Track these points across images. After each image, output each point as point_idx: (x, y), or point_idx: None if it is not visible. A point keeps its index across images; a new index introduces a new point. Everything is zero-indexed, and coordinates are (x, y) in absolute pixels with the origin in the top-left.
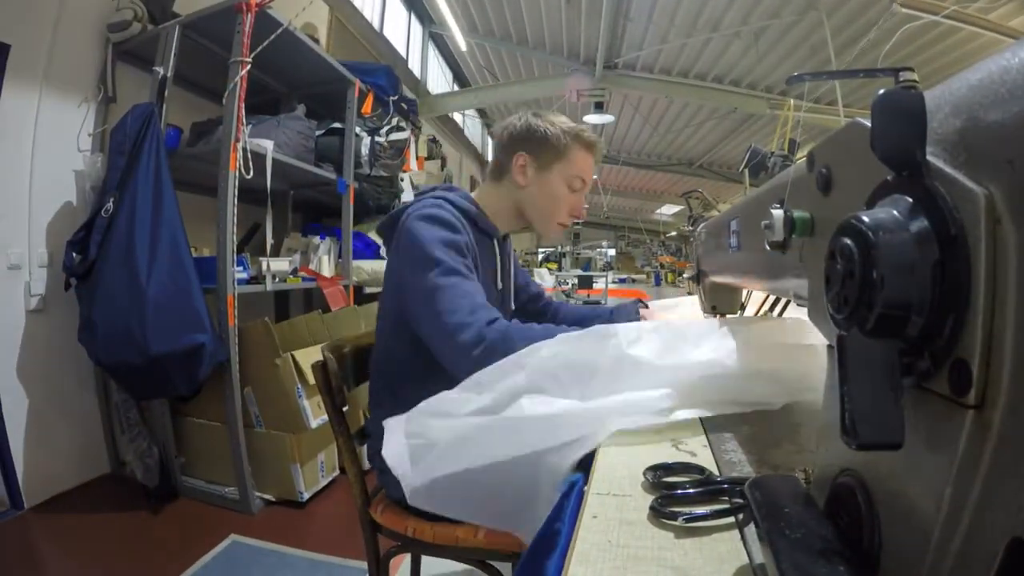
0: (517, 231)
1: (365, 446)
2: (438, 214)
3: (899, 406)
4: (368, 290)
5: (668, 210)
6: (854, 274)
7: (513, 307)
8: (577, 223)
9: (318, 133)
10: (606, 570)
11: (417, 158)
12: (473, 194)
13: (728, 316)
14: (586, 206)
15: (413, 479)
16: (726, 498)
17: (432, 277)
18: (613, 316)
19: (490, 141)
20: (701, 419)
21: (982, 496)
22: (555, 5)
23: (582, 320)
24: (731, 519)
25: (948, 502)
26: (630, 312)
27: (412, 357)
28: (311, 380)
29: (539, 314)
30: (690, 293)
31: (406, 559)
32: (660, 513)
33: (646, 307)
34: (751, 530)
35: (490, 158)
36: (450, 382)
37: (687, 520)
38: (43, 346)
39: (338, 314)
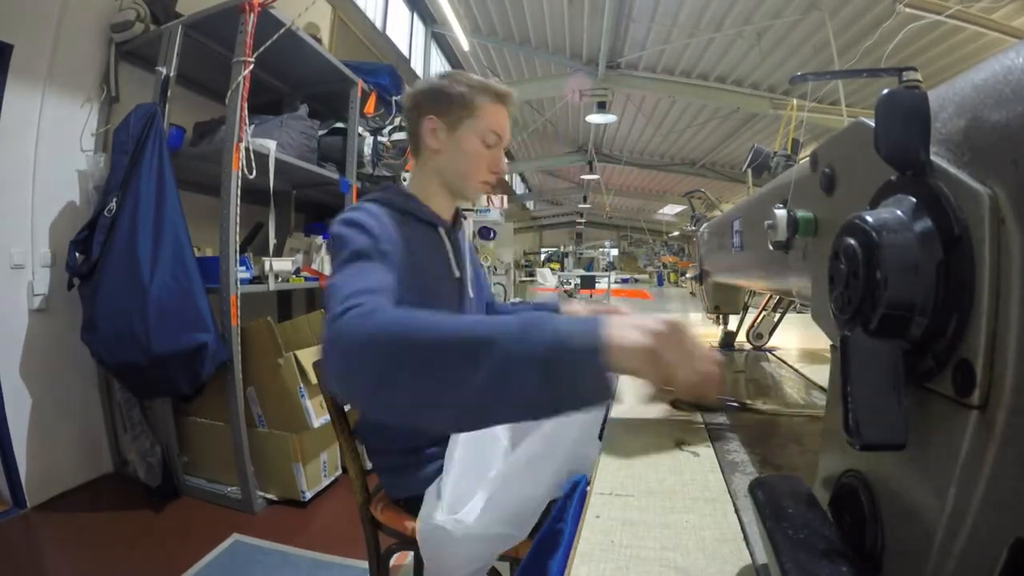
0: (460, 208)
1: (366, 446)
2: (352, 217)
3: (902, 406)
4: None
5: (671, 210)
6: (858, 274)
7: (472, 295)
8: (580, 222)
9: (321, 133)
10: (609, 570)
11: None
12: (406, 184)
13: None
14: (506, 161)
15: None
16: None
17: (333, 274)
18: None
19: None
20: (705, 421)
21: (985, 497)
22: (558, 5)
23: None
24: None
25: (951, 502)
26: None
27: None
28: (313, 380)
29: None
30: (692, 293)
31: (408, 558)
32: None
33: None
34: (754, 530)
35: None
36: None
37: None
38: (46, 345)
39: None
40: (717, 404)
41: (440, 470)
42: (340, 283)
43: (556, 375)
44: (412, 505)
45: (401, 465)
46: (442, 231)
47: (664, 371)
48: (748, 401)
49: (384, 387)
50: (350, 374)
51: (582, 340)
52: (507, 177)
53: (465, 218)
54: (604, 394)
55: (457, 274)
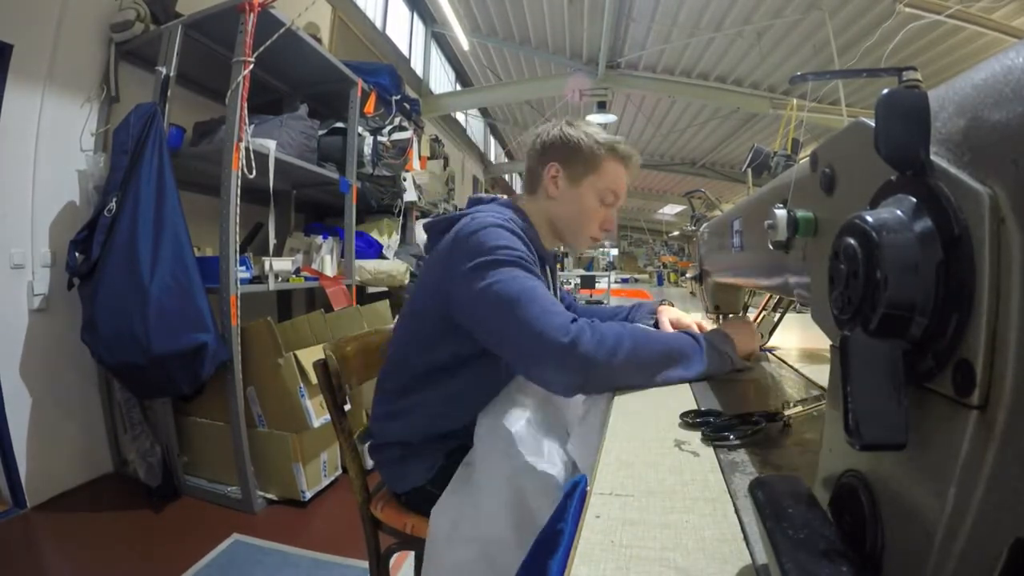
0: (556, 249)
1: (367, 445)
2: (507, 225)
3: (902, 407)
4: (371, 290)
5: (671, 210)
6: (858, 274)
7: None
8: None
9: (321, 133)
10: (609, 570)
11: (420, 158)
12: (522, 206)
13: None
14: (615, 221)
15: None
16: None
17: (513, 279)
18: (631, 315)
19: (493, 141)
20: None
21: (986, 497)
22: (558, 5)
23: (612, 318)
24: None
25: (951, 503)
26: (648, 311)
27: (420, 365)
28: (313, 380)
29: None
30: (692, 293)
31: (409, 557)
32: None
33: (669, 304)
34: (754, 530)
35: (524, 170)
36: (444, 398)
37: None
38: (46, 346)
39: (340, 314)
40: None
41: (436, 463)
42: (540, 294)
43: (712, 368)
44: (413, 499)
45: (402, 456)
46: (547, 266)
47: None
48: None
49: (627, 376)
50: (606, 379)
51: (727, 347)
52: (507, 177)
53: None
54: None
55: None
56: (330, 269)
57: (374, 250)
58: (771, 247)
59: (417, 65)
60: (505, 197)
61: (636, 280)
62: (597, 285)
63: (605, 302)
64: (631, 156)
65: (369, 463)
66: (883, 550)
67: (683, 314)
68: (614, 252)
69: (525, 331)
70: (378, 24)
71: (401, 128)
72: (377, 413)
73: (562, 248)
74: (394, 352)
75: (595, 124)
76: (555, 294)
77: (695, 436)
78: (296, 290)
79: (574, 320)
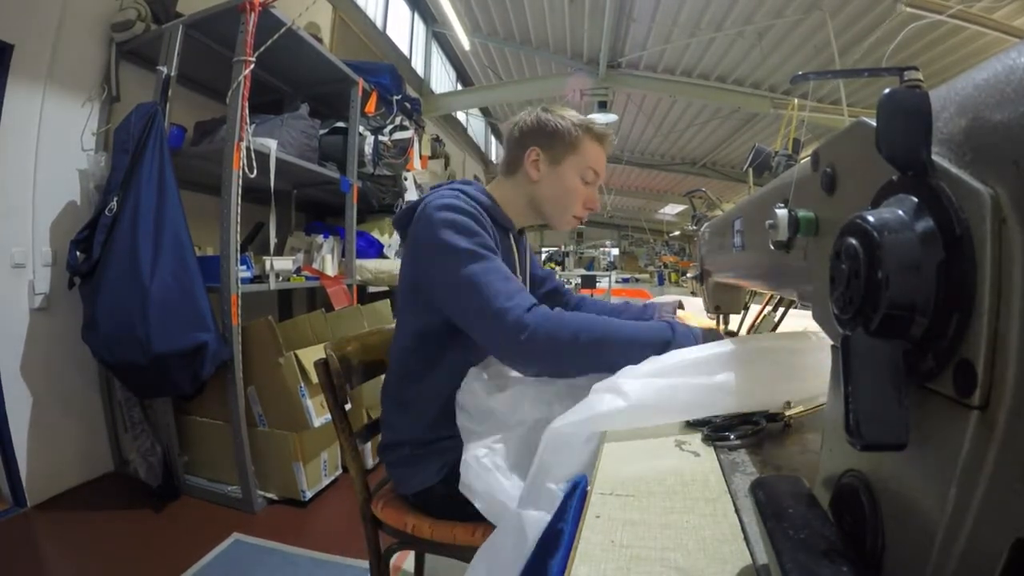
0: (533, 226)
1: (370, 442)
2: (457, 203)
3: (903, 407)
4: (372, 289)
5: (672, 209)
6: (859, 274)
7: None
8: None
9: (321, 132)
10: (609, 570)
11: (420, 157)
12: (487, 187)
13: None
14: (599, 199)
15: None
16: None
17: (464, 265)
18: (647, 311)
19: (494, 140)
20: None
21: (986, 497)
22: (558, 4)
23: (612, 314)
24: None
25: (952, 503)
26: (667, 311)
27: (418, 359)
28: (314, 379)
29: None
30: (693, 293)
31: (410, 557)
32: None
33: (683, 308)
34: (754, 530)
35: (502, 155)
36: (448, 380)
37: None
38: (47, 345)
39: (341, 313)
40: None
41: (448, 463)
42: (487, 279)
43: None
44: (422, 499)
45: (413, 456)
46: (511, 236)
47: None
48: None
49: (579, 366)
50: (555, 360)
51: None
52: None
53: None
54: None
55: (519, 278)
56: (331, 268)
57: (375, 249)
58: (772, 247)
59: (418, 65)
60: (465, 179)
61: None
62: (598, 285)
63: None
64: (606, 135)
65: (370, 463)
66: (884, 550)
67: (702, 319)
68: (615, 252)
69: (483, 317)
70: (379, 24)
71: (402, 127)
72: (386, 412)
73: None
74: (394, 350)
75: (569, 110)
76: (523, 268)
77: (695, 436)
78: (297, 289)
79: (533, 306)
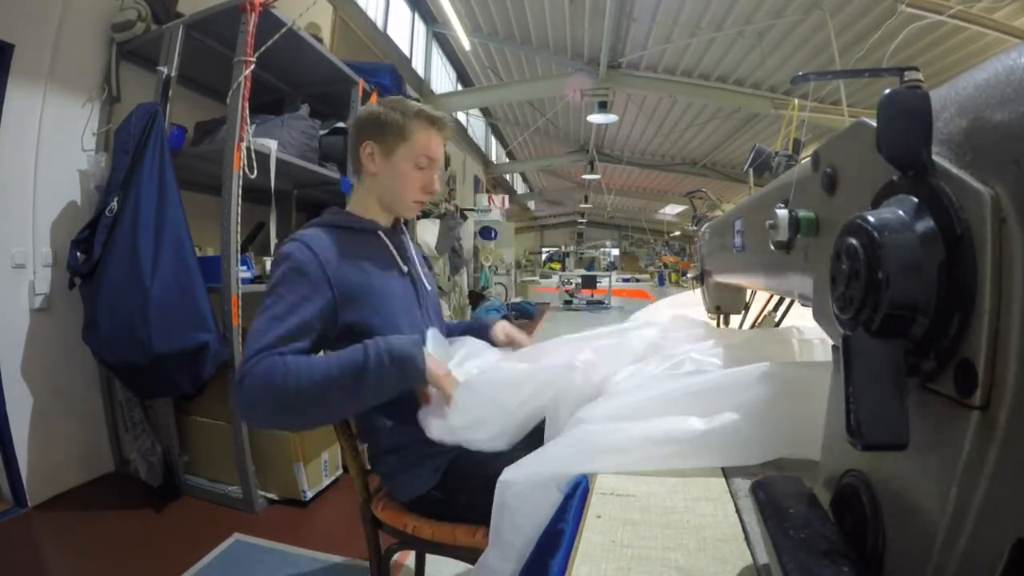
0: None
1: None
2: (285, 251)
3: (904, 407)
4: None
5: (672, 210)
6: (859, 274)
7: (429, 286)
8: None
9: (322, 132)
10: (610, 570)
11: None
12: (347, 206)
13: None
14: (437, 177)
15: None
16: None
17: (267, 295)
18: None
19: (494, 140)
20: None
21: (987, 497)
22: (559, 5)
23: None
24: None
25: (953, 503)
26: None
27: None
28: None
29: None
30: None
31: (410, 557)
32: None
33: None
34: (755, 530)
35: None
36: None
37: None
38: (47, 345)
39: None
40: None
41: (440, 465)
42: (259, 328)
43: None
44: (419, 506)
45: (399, 467)
46: (382, 234)
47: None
48: None
49: (279, 418)
50: (251, 412)
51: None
52: (508, 177)
53: (406, 225)
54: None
55: (405, 269)
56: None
57: None
58: (773, 247)
59: (418, 65)
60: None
61: (637, 280)
62: (599, 285)
63: (606, 302)
64: (438, 118)
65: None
66: (884, 550)
67: (516, 329)
68: (615, 252)
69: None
70: (379, 24)
71: None
72: (360, 423)
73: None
74: None
75: (407, 100)
76: (405, 260)
77: None
78: None
79: (270, 350)
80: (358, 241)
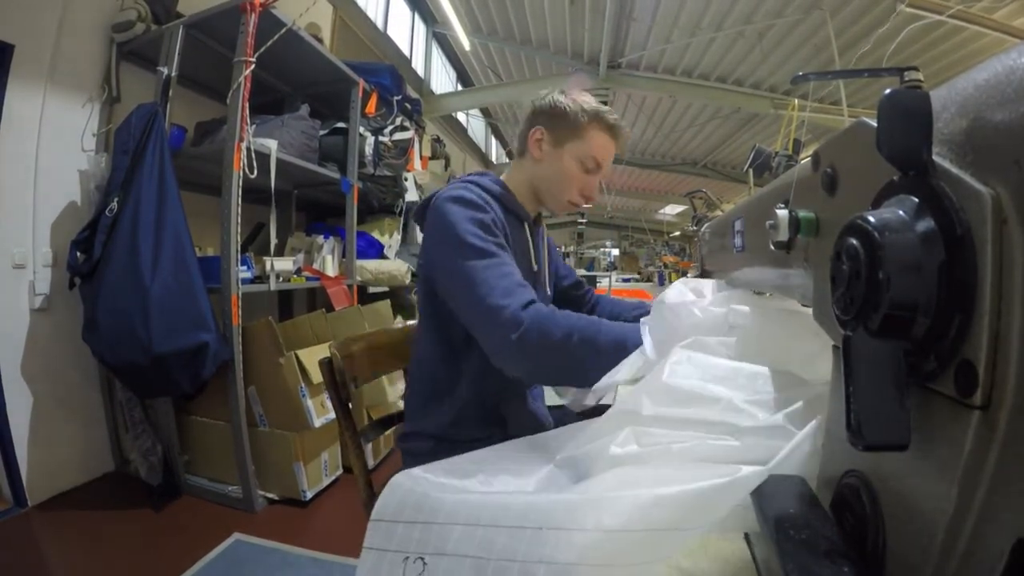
0: (544, 214)
1: (371, 443)
2: (464, 195)
3: (905, 407)
4: (372, 290)
5: (672, 210)
6: (860, 275)
7: (550, 291)
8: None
9: (322, 133)
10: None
11: (421, 158)
12: (502, 176)
13: None
14: (599, 189)
15: None
16: None
17: (466, 258)
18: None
19: (495, 141)
20: None
21: (988, 497)
22: (559, 5)
23: (620, 314)
24: None
25: (954, 503)
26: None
27: (435, 351)
28: (315, 379)
29: (578, 300)
30: None
31: None
32: None
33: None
34: (756, 530)
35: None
36: (473, 380)
37: None
38: (47, 345)
39: (342, 314)
40: None
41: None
42: (485, 275)
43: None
44: None
45: (433, 450)
46: (527, 225)
47: None
48: None
49: (569, 371)
50: (547, 359)
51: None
52: None
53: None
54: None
55: (535, 268)
56: (331, 269)
57: (375, 250)
58: (773, 247)
59: (418, 65)
60: (481, 171)
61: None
62: (599, 284)
63: None
64: (616, 127)
65: (371, 462)
66: (885, 551)
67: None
68: (615, 252)
69: (478, 313)
70: (379, 24)
71: (402, 128)
72: (410, 404)
73: (545, 212)
74: (417, 348)
75: (590, 96)
76: (538, 258)
77: None
78: (297, 290)
79: (530, 303)
80: (508, 221)
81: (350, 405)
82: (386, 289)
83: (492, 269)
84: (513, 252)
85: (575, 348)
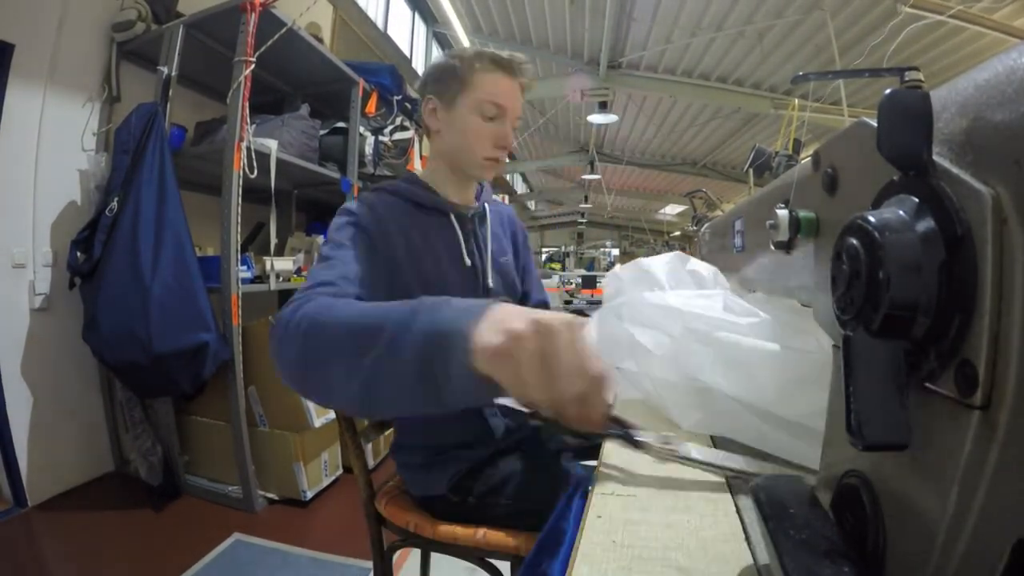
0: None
1: (371, 442)
2: (346, 206)
3: (905, 407)
4: None
5: (672, 210)
6: (860, 274)
7: (491, 285)
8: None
9: (322, 132)
10: (611, 570)
11: (421, 157)
12: (417, 171)
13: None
14: (512, 134)
15: None
16: None
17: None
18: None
19: None
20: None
21: (988, 497)
22: (559, 5)
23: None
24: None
25: (954, 503)
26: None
27: None
28: None
29: None
30: None
31: (413, 556)
32: None
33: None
34: (756, 530)
35: None
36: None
37: None
38: (47, 345)
39: None
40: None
41: (459, 472)
42: (309, 276)
43: (428, 370)
44: (426, 503)
45: (426, 463)
46: (453, 218)
47: (522, 386)
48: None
49: (304, 369)
50: (279, 357)
51: (457, 334)
52: (507, 177)
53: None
54: (476, 397)
55: (468, 262)
56: None
57: None
58: (773, 247)
59: (418, 65)
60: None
61: None
62: (599, 285)
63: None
64: (505, 59)
65: (371, 462)
66: (885, 550)
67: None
68: (615, 252)
69: None
70: (379, 24)
71: (403, 128)
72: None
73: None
74: None
75: (474, 47)
76: (470, 253)
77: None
78: (297, 290)
79: (321, 288)
80: (423, 219)
81: None
82: None
83: (322, 261)
84: (432, 249)
85: (305, 334)
